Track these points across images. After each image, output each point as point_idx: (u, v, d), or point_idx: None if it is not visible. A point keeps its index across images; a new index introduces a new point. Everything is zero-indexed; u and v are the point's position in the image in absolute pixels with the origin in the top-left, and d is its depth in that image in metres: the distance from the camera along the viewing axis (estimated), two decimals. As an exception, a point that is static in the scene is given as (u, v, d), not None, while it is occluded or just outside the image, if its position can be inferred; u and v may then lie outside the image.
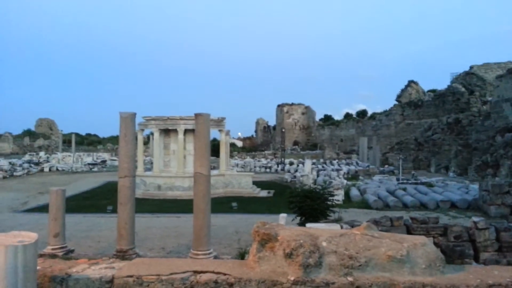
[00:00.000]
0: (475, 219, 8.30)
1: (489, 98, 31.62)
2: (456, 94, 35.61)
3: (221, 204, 14.81)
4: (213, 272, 2.07)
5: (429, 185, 19.10)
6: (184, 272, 2.08)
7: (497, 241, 7.89)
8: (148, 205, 14.97)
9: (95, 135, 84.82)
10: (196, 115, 7.32)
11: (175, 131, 17.87)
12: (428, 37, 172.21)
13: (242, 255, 6.92)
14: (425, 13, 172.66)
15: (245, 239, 8.75)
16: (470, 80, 37.40)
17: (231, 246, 8.68)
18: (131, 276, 2.08)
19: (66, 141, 52.17)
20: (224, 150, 19.14)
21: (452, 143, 29.18)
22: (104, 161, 39.89)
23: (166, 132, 18.48)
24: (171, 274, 2.09)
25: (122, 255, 6.73)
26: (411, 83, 46.01)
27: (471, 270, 2.13)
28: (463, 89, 35.55)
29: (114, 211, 10.18)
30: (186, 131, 17.63)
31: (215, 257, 6.88)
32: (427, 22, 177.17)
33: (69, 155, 38.96)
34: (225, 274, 2.04)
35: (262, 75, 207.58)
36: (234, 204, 14.95)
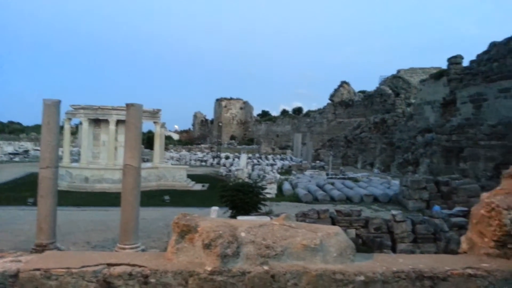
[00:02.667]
0: (394, 212, 8.91)
1: (413, 101, 33.98)
2: (383, 95, 37.82)
3: (153, 197, 14.48)
4: (127, 264, 2.02)
5: (355, 180, 20.16)
6: (96, 265, 2.00)
7: (413, 232, 8.54)
8: (74, 198, 14.22)
9: (18, 123, 78.48)
10: (128, 105, 7.08)
11: (106, 121, 17.09)
12: (360, 41, 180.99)
13: (170, 249, 6.82)
14: (358, 18, 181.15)
15: (175, 233, 8.63)
16: (396, 83, 39.87)
17: (160, 239, 8.53)
18: (38, 270, 1.96)
19: (-17, 128, 47.74)
20: (158, 143, 18.68)
21: (378, 141, 31.00)
22: (26, 151, 37.09)
23: (96, 122, 17.60)
24: (83, 267, 2.00)
25: (42, 249, 6.33)
26: (343, 83, 48.05)
27: (379, 258, 2.27)
28: (390, 91, 37.84)
29: (35, 203, 9.54)
30: (118, 122, 16.94)
31: (143, 251, 6.72)
32: (360, 27, 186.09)
33: (-13, 144, 35.74)
34: (140, 266, 2.00)
35: (201, 68, 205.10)
36: (166, 197, 14.68)
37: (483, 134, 19.17)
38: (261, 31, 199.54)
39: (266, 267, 2.04)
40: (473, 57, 22.49)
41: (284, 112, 64.26)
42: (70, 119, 17.81)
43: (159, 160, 18.58)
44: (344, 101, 44.18)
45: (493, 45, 20.78)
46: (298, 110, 62.03)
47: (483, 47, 21.45)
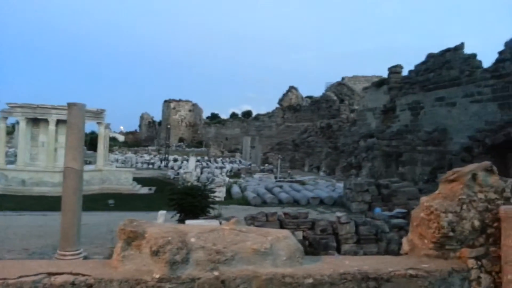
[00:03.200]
0: (338, 214, 9.19)
1: (356, 107, 35.41)
2: (329, 101, 39.08)
3: (96, 201, 13.88)
4: (70, 273, 1.91)
5: (302, 183, 20.60)
6: (36, 275, 1.88)
7: (356, 234, 8.86)
8: (9, 202, 13.30)
9: None
10: (70, 104, 6.75)
11: (46, 121, 16.15)
12: (307, 47, 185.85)
13: (115, 255, 6.57)
14: (305, 26, 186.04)
15: (120, 238, 8.31)
16: (341, 89, 41.38)
17: (103, 245, 8.18)
18: (-31, 282, 1.81)
19: None
20: (102, 144, 17.95)
21: (324, 146, 31.96)
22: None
23: (34, 121, 16.58)
24: (21, 277, 1.87)
25: (-30, 259, 5.85)
26: (291, 88, 49.06)
27: (327, 260, 2.32)
28: (335, 97, 39.18)
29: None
30: (58, 122, 16.06)
31: (85, 258, 6.42)
32: (307, 34, 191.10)
33: None
34: (84, 275, 1.90)
35: (149, 68, 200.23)
36: (110, 201, 14.14)
37: (420, 140, 20.37)
38: (212, 33, 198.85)
39: (216, 273, 2.02)
40: (412, 67, 23.86)
41: (233, 115, 64.35)
42: (6, 118, 16.65)
43: (103, 163, 17.86)
44: (292, 106, 45.08)
45: (430, 56, 22.18)
46: (247, 114, 62.37)
47: (421, 58, 22.85)
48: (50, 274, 1.93)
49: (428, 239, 2.36)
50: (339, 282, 2.09)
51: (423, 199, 2.46)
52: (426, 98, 21.81)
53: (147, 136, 67.46)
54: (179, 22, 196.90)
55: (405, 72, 25.13)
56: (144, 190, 18.24)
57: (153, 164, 32.85)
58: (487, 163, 2.43)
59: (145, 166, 31.75)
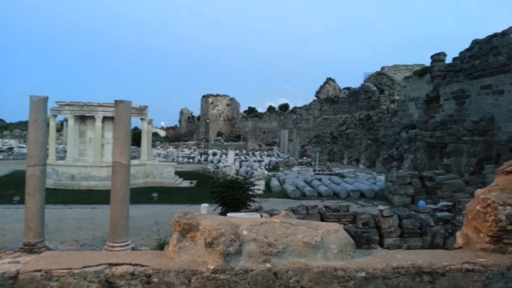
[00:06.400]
0: (381, 207, 9.02)
1: (397, 97, 34.37)
2: (368, 92, 38.17)
3: (141, 195, 14.37)
4: (129, 264, 2.01)
5: (342, 176, 20.33)
6: (98, 265, 1.99)
7: (400, 227, 8.67)
8: (61, 196, 14.01)
9: (1, 120, 76.77)
10: (117, 102, 6.99)
11: (92, 118, 16.84)
12: (344, 37, 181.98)
13: (161, 246, 6.79)
14: (342, 15, 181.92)
15: (165, 230, 8.60)
16: (381, 80, 40.26)
17: (150, 237, 8.48)
18: (39, 271, 1.93)
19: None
20: (145, 139, 18.50)
21: (363, 138, 31.31)
22: (11, 148, 36.32)
23: (82, 119, 17.33)
24: (84, 267, 1.98)
25: (30, 248, 6.24)
26: (329, 80, 48.30)
27: (378, 254, 2.30)
28: (374, 88, 38.21)
29: (21, 201, 9.37)
30: (104, 119, 16.71)
31: (133, 249, 6.67)
32: (344, 24, 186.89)
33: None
34: (142, 266, 1.99)
35: (188, 65, 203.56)
36: (154, 194, 14.58)
37: (465, 130, 19.53)
38: (248, 27, 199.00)
39: (268, 265, 2.05)
40: (456, 55, 22.85)
41: (270, 109, 64.37)
42: (55, 116, 17.50)
43: (146, 157, 18.42)
44: (329, 98, 44.44)
45: (475, 42, 21.14)
46: (284, 107, 62.19)
47: (466, 44, 21.84)
48: (111, 264, 2.03)
49: (484, 232, 2.28)
50: (392, 276, 2.07)
51: (479, 191, 2.37)
52: (471, 87, 20.84)
53: (186, 131, 68.81)
54: (216, 18, 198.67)
55: (448, 60, 24.16)
56: (186, 183, 18.64)
57: (193, 158, 33.46)
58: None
59: (185, 160, 32.41)
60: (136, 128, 28.63)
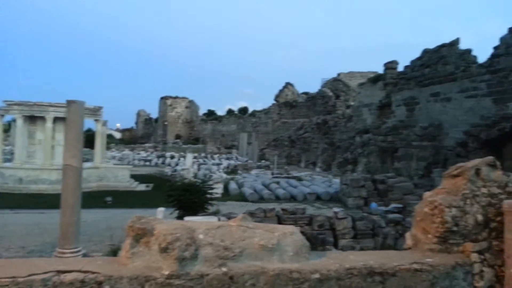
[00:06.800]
0: (335, 209, 9.26)
1: (352, 103, 35.43)
2: (325, 97, 39.10)
3: (94, 199, 13.87)
4: (79, 271, 1.92)
5: (299, 179, 20.67)
6: (45, 273, 1.89)
7: (353, 229, 8.93)
8: (7, 200, 13.25)
9: None
10: (69, 102, 6.72)
11: (43, 118, 16.07)
12: (303, 43, 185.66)
13: (114, 252, 6.58)
14: (301, 22, 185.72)
15: (118, 235, 8.33)
16: (337, 85, 41.36)
17: (102, 243, 8.19)
18: (-21, 281, 1.81)
19: None
20: (99, 141, 17.90)
21: (320, 141, 32.02)
22: None
23: (31, 119, 16.49)
24: (30, 275, 1.88)
25: (-31, 258, 5.84)
26: (287, 84, 49.01)
27: (332, 255, 2.34)
28: (331, 94, 39.20)
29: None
30: (55, 120, 15.99)
31: (84, 255, 6.42)
32: (303, 30, 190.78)
33: None
34: (93, 273, 1.91)
35: (146, 66, 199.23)
36: (108, 198, 14.14)
37: (415, 135, 20.47)
38: (208, 29, 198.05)
39: (224, 269, 2.04)
40: (407, 63, 23.91)
41: (230, 112, 64.23)
42: (2, 115, 16.56)
43: (100, 160, 17.82)
44: (288, 102, 45.07)
45: (425, 52, 22.23)
46: (243, 110, 62.29)
47: (417, 53, 22.89)
48: (59, 272, 1.94)
49: (431, 233, 2.39)
50: (345, 277, 2.12)
51: (427, 194, 2.49)
52: (421, 94, 21.88)
53: (143, 133, 67.29)
54: (175, 18, 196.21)
55: (400, 68, 25.20)
56: (141, 187, 18.23)
57: (150, 161, 32.80)
58: (490, 158, 2.46)
59: (142, 163, 31.69)
60: (89, 130, 27.62)
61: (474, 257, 2.32)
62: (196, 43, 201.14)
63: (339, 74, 43.98)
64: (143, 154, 36.97)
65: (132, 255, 2.08)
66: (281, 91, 48.60)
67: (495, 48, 17.38)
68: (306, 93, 47.04)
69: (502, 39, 17.02)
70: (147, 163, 31.98)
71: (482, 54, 18.72)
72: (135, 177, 19.52)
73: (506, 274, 2.32)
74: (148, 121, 68.95)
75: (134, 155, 34.92)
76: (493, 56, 17.48)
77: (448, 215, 2.30)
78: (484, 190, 2.42)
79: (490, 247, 2.38)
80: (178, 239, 2.02)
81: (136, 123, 71.88)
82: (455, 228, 2.34)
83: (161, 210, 8.50)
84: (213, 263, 2.03)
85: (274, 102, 47.14)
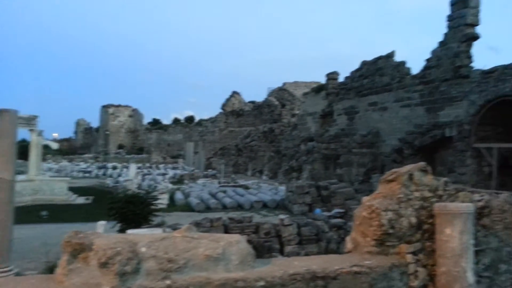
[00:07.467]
0: (281, 216, 9.40)
1: (297, 112, 36.38)
2: (271, 106, 39.79)
3: (28, 213, 13.00)
4: (11, 291, 1.80)
5: (246, 187, 20.76)
6: (-29, 296, 1.75)
7: (298, 235, 9.11)
8: None
9: None
10: (1, 111, 6.29)
11: (-32, 128, 14.85)
12: (249, 52, 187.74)
13: (51, 270, 6.19)
14: (246, 31, 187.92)
15: (56, 252, 7.82)
16: (282, 94, 42.27)
17: (38, 260, 7.68)
18: None
19: None
20: (34, 153, 16.83)
21: (266, 150, 32.45)
22: None
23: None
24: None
25: None
26: (234, 93, 49.27)
27: (277, 262, 2.37)
28: (276, 102, 39.98)
29: None
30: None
31: (17, 274, 5.99)
32: (249, 39, 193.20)
33: None
34: (26, 293, 1.80)
35: (86, 72, 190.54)
36: (44, 212, 13.31)
37: (355, 142, 21.39)
38: (151, 37, 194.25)
39: (168, 282, 1.99)
40: (348, 74, 25.02)
41: (176, 121, 63.19)
42: None
43: (35, 172, 16.75)
44: (235, 111, 45.28)
45: (364, 63, 23.40)
46: (190, 119, 61.59)
47: (356, 65, 24.05)
48: (-13, 293, 1.80)
49: (370, 236, 2.50)
50: (289, 283, 2.16)
51: (365, 198, 2.61)
52: (360, 103, 22.97)
53: (83, 143, 64.33)
54: (117, 24, 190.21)
55: (341, 79, 26.31)
56: (81, 200, 17.40)
57: (90, 172, 31.45)
58: (422, 163, 2.63)
59: (81, 174, 30.30)
60: (24, 140, 25.92)
61: (409, 258, 2.47)
62: (140, 50, 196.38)
63: (284, 84, 44.96)
64: (83, 165, 35.45)
65: (69, 272, 1.98)
66: (228, 99, 48.74)
67: (427, 60, 18.68)
68: (252, 102, 47.54)
69: (434, 52, 18.35)
70: (87, 174, 30.62)
71: (416, 66, 20.07)
72: (74, 189, 18.61)
73: (437, 272, 2.49)
74: (88, 130, 66.05)
75: (73, 167, 33.39)
76: (425, 68, 18.79)
77: (385, 219, 2.42)
78: (417, 194, 2.58)
79: (423, 248, 2.54)
80: (119, 253, 1.95)
81: (75, 132, 68.60)
82: (391, 231, 2.47)
83: (102, 223, 8.14)
84: (156, 277, 1.98)
85: (221, 111, 47.15)
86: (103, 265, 1.93)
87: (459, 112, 15.96)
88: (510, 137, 13.75)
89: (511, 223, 2.80)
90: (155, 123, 65.16)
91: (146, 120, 63.23)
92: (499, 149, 13.65)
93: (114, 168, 32.23)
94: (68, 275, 1.96)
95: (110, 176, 27.77)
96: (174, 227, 8.11)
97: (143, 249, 2.04)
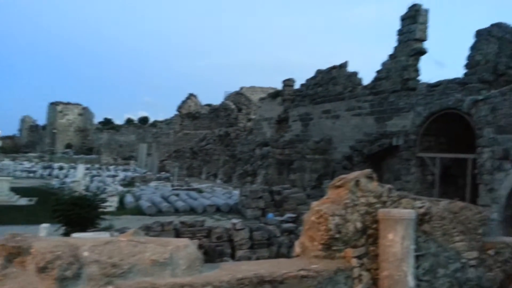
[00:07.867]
0: (234, 221, 9.39)
1: (253, 116, 36.59)
2: (227, 110, 39.75)
3: (-37, 215, 12.10)
4: None
5: (199, 191, 20.57)
6: None
7: (250, 239, 9.14)
8: None
9: None
10: None
11: None
12: (207, 55, 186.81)
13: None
14: (204, 33, 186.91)
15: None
16: (239, 99, 42.35)
17: (-29, 266, 7.14)
18: None
19: None
20: (-29, 150, 15.75)
21: (221, 153, 32.34)
22: None
23: None
24: None
25: None
26: (191, 95, 48.70)
27: (225, 267, 2.36)
28: (233, 106, 39.99)
29: None
30: None
31: None
32: (207, 41, 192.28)
33: None
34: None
35: (33, 67, 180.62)
36: (-19, 214, 12.44)
37: (309, 149, 21.85)
38: (107, 31, 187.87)
39: (110, 287, 1.93)
40: (303, 81, 25.54)
41: (129, 121, 61.45)
42: None
43: (-29, 171, 15.66)
44: (191, 113, 44.77)
45: (318, 72, 24.00)
46: (144, 120, 60.14)
47: (311, 73, 24.61)
48: None
49: (317, 241, 2.56)
50: (237, 287, 2.15)
51: (314, 203, 2.66)
52: (314, 110, 23.51)
53: (28, 141, 60.93)
54: (69, 17, 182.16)
55: (297, 85, 26.80)
56: (23, 201, 16.47)
57: (34, 172, 29.88)
58: (368, 170, 2.73)
59: (25, 174, 28.69)
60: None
61: (354, 262, 2.54)
62: (93, 45, 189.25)
63: (241, 88, 45.09)
64: (27, 164, 33.72)
65: (4, 277, 1.86)
66: (184, 101, 48.07)
67: (378, 72, 19.47)
68: (209, 105, 47.23)
69: (384, 64, 19.15)
70: (31, 174, 29.06)
71: (368, 76, 20.84)
72: (16, 190, 17.60)
73: (380, 276, 2.58)
74: (34, 128, 62.69)
75: (16, 166, 31.62)
76: (375, 79, 19.56)
77: (332, 223, 2.49)
78: (362, 199, 2.68)
79: (368, 252, 2.63)
80: (59, 258, 1.86)
81: (20, 130, 64.88)
82: (337, 235, 2.53)
83: (45, 226, 7.74)
84: (98, 282, 1.91)
85: (177, 112, 46.42)
86: (42, 270, 1.84)
87: (405, 122, 16.74)
88: (452, 148, 14.60)
89: (450, 229, 2.97)
90: (107, 122, 63.03)
91: (97, 119, 61.08)
92: (441, 159, 14.44)
93: (61, 168, 30.86)
94: (2, 281, 1.85)
95: (56, 176, 26.56)
96: (123, 231, 7.86)
97: (86, 253, 1.96)
